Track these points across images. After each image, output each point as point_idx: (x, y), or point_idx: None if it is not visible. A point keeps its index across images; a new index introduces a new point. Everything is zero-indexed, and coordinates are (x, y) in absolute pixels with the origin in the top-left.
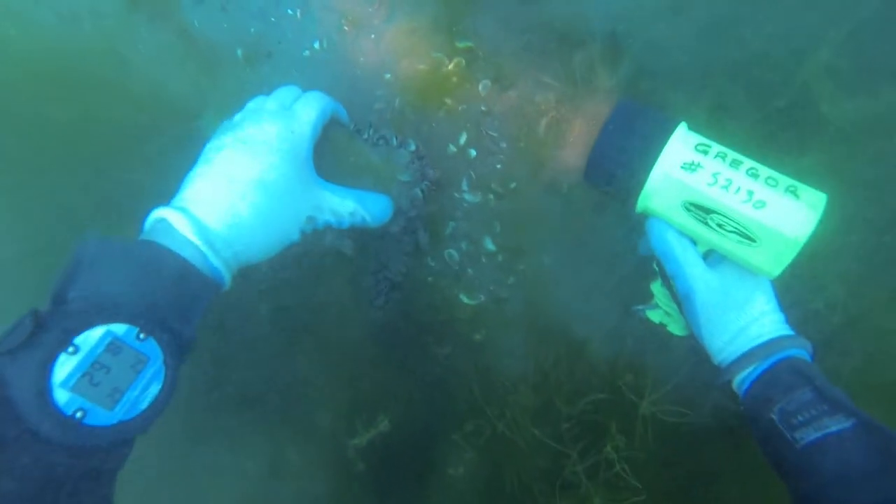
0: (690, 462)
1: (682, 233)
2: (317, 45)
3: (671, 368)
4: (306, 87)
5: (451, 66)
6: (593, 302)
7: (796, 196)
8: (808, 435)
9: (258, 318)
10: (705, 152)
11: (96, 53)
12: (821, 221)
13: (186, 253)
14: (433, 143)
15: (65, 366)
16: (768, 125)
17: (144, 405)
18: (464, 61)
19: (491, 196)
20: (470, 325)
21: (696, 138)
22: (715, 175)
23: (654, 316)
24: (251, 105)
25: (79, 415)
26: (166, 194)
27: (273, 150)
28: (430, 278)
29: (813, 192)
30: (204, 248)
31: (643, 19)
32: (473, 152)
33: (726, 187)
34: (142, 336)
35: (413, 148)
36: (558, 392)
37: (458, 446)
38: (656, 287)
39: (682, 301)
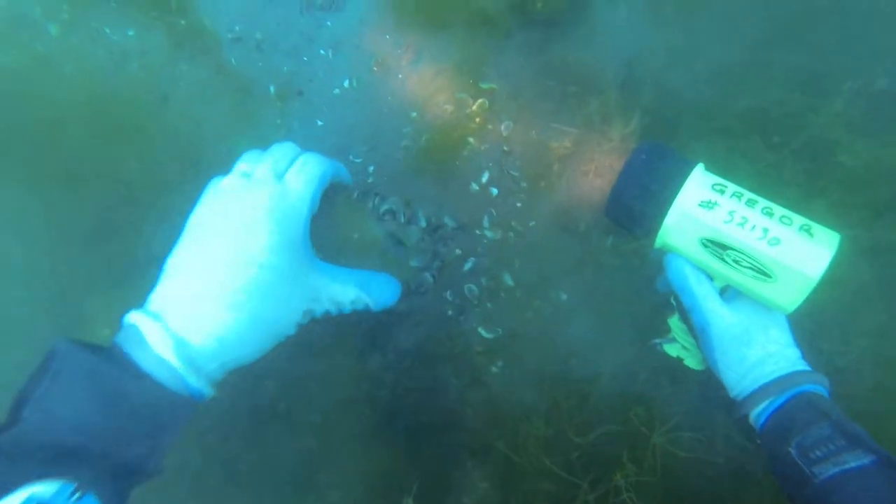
0: (700, 495)
1: (699, 268)
2: (346, 84)
3: (682, 403)
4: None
5: (474, 107)
6: (608, 336)
7: (810, 234)
8: (827, 470)
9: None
10: (721, 191)
11: (141, 89)
12: (834, 259)
13: (162, 373)
14: (456, 180)
15: None
16: (782, 168)
17: None
18: (487, 102)
19: (511, 234)
20: (487, 357)
21: (713, 178)
22: (731, 213)
23: (672, 350)
24: (242, 164)
25: None
26: None
27: (264, 233)
28: (449, 311)
29: (826, 231)
30: (183, 371)
31: (658, 65)
32: (495, 191)
33: (742, 224)
34: (77, 495)
35: (424, 224)
36: (570, 423)
37: (470, 475)
38: (674, 322)
39: (698, 335)
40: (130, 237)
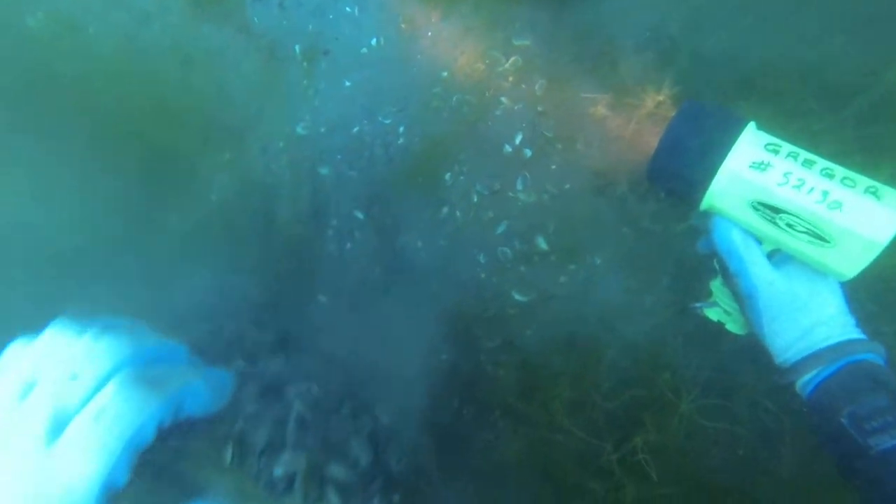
0: (718, 466)
1: (747, 231)
2: (374, 43)
3: (711, 370)
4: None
5: (507, 65)
6: (641, 302)
7: (877, 197)
8: (883, 442)
9: None
10: (776, 151)
11: (163, 50)
12: None
13: None
14: (489, 142)
15: None
16: (841, 131)
17: None
18: (520, 60)
19: (545, 196)
20: (520, 320)
21: (766, 137)
22: (786, 175)
23: (713, 314)
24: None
25: None
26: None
27: None
28: (482, 275)
29: None
30: None
31: (698, 21)
32: (529, 152)
33: (798, 187)
34: None
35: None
36: (597, 387)
37: (500, 431)
38: (716, 285)
39: (744, 300)
40: (150, 202)
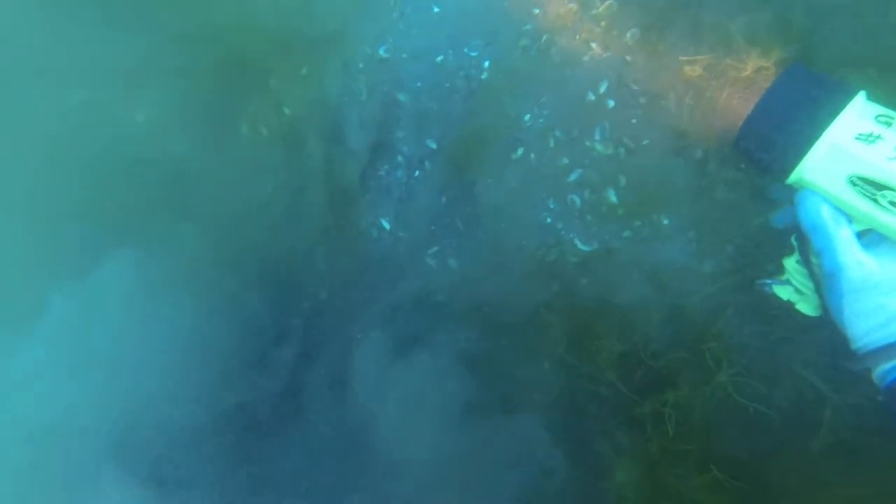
0: (742, 438)
1: (837, 207)
2: None
3: (758, 349)
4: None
5: (601, 8)
6: (702, 268)
7: None
8: None
9: None
10: (888, 124)
11: None
12: None
13: None
14: (572, 87)
15: None
16: None
17: None
18: (615, 4)
19: (622, 150)
20: (579, 269)
21: (877, 109)
22: None
23: (783, 292)
24: None
25: None
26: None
27: None
28: (548, 219)
29: None
30: None
31: None
32: (612, 103)
33: None
34: None
35: None
36: (646, 345)
37: (544, 373)
38: (790, 263)
39: (825, 279)
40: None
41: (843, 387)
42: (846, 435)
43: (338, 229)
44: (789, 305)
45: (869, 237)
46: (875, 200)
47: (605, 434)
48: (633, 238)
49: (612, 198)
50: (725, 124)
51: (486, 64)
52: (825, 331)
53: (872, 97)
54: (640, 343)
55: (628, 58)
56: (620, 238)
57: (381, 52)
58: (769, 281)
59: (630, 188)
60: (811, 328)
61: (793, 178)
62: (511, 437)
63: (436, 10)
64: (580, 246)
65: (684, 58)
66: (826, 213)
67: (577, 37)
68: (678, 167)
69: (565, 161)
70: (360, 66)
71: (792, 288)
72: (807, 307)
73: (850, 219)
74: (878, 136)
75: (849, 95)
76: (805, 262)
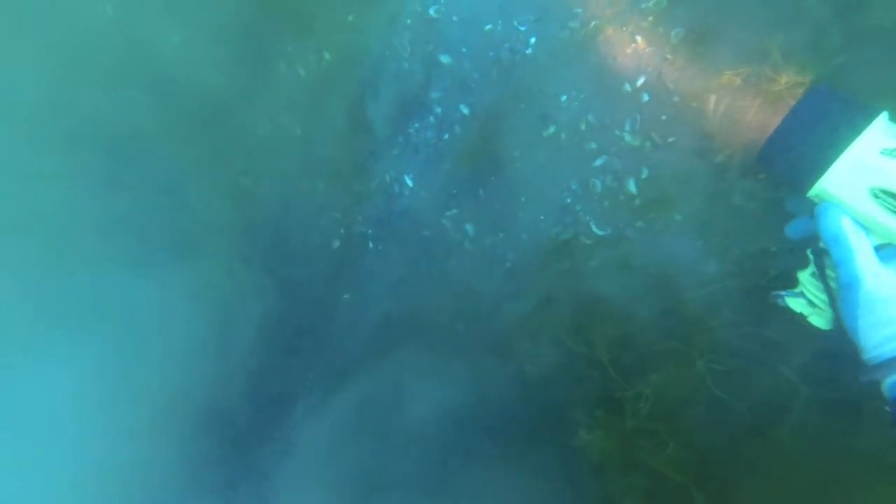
0: (710, 425)
1: (858, 222)
2: None
3: (745, 356)
4: None
5: (651, 3)
6: (707, 265)
7: None
8: None
9: None
10: None
11: None
12: None
13: None
14: (612, 76)
15: None
16: None
17: None
18: (665, 1)
19: (648, 143)
20: (590, 251)
21: None
22: None
23: (796, 305)
24: None
25: None
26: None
27: None
28: (568, 199)
29: None
30: None
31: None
32: (646, 97)
33: None
34: None
35: None
36: (642, 333)
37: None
38: (804, 275)
39: (841, 290)
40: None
41: (819, 385)
42: (814, 426)
43: (360, 179)
44: (801, 318)
45: (887, 251)
46: None
47: (586, 408)
48: (645, 229)
49: (632, 188)
50: (751, 134)
51: (533, 40)
52: (826, 342)
53: (894, 118)
54: (636, 330)
55: (669, 56)
56: (634, 227)
57: (431, 11)
58: (783, 293)
59: (650, 181)
60: (805, 336)
61: (814, 190)
62: (494, 391)
63: None
64: (595, 229)
65: (721, 65)
66: (847, 224)
67: (624, 28)
68: (699, 168)
69: (593, 146)
70: (408, 22)
71: (805, 301)
72: (819, 320)
73: (868, 232)
74: None
75: (873, 114)
76: (820, 275)
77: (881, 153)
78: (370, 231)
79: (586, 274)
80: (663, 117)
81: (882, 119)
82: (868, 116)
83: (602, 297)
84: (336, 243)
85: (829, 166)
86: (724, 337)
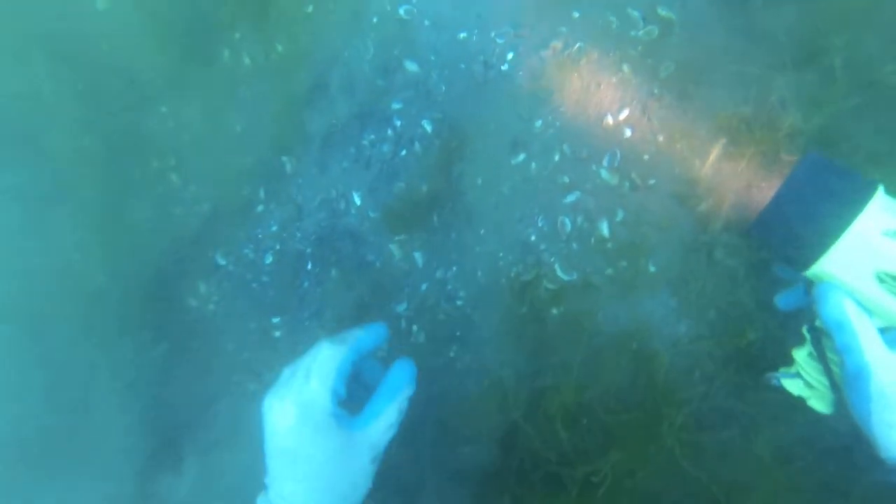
0: None
1: (861, 304)
2: None
3: (724, 427)
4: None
5: (641, 32)
6: (678, 326)
7: None
8: None
9: None
10: None
11: None
12: None
13: None
14: (593, 106)
15: None
16: None
17: None
18: (656, 31)
19: (627, 183)
20: (553, 295)
21: None
22: None
23: (793, 387)
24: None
25: None
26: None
27: (312, 440)
28: (532, 237)
29: None
30: None
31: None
32: (629, 132)
33: None
34: None
35: None
36: (603, 397)
37: (488, 405)
38: (800, 355)
39: (849, 379)
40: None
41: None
42: None
43: (303, 190)
44: (801, 402)
45: (891, 334)
46: None
47: (532, 488)
48: (615, 277)
49: (605, 231)
50: (740, 185)
51: (510, 55)
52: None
53: (890, 191)
54: (600, 395)
55: (656, 90)
56: (602, 274)
57: (401, 11)
58: (778, 374)
59: (625, 225)
60: (785, 413)
61: (814, 269)
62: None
63: None
64: (560, 273)
65: (712, 107)
66: (851, 309)
67: (611, 54)
68: (680, 216)
69: (566, 180)
70: (374, 20)
71: (802, 382)
72: (820, 404)
73: (870, 314)
74: None
75: (871, 189)
76: (820, 356)
77: (884, 234)
78: (309, 250)
79: (547, 322)
80: (645, 156)
81: (880, 194)
82: (866, 191)
83: (562, 350)
84: (269, 258)
85: (830, 246)
86: (697, 408)
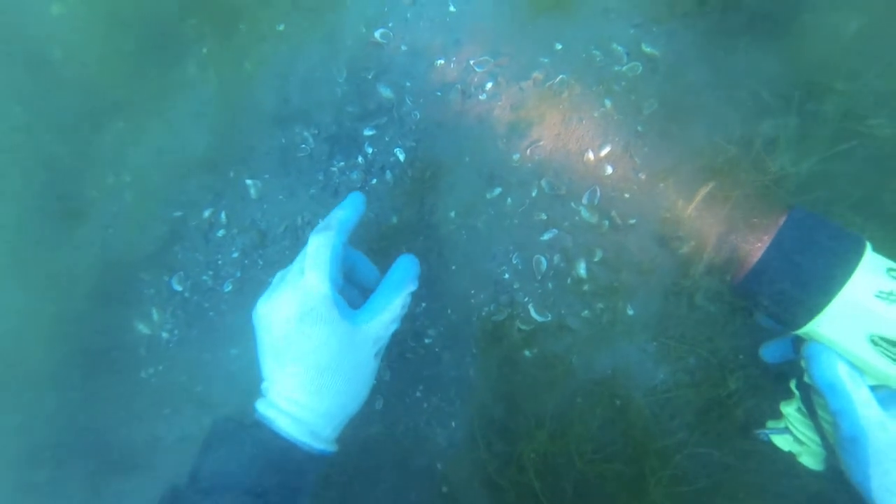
0: None
1: (853, 364)
2: None
3: (701, 473)
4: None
5: (625, 68)
6: (656, 372)
7: None
8: None
9: None
10: None
11: None
12: None
13: (298, 442)
14: (574, 141)
15: None
16: None
17: None
18: (640, 68)
19: (606, 222)
20: (526, 337)
21: (884, 261)
22: None
23: (783, 443)
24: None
25: None
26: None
27: (312, 330)
28: (506, 275)
29: None
30: (315, 444)
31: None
32: (610, 169)
33: None
34: None
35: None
36: (580, 447)
37: (457, 451)
38: (789, 410)
39: (844, 442)
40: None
41: None
42: None
43: (268, 217)
44: (792, 457)
45: (883, 393)
46: None
47: None
48: (591, 320)
49: (582, 271)
50: (724, 229)
51: (489, 85)
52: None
53: (875, 244)
54: (574, 443)
55: (639, 128)
56: (578, 317)
57: (377, 35)
58: (768, 430)
59: (603, 265)
60: (767, 461)
61: (805, 330)
62: None
63: (452, 8)
64: (534, 314)
65: (697, 148)
66: (843, 371)
67: (594, 88)
68: (660, 258)
69: (543, 216)
70: (348, 42)
71: (792, 438)
72: (811, 461)
73: (862, 373)
74: None
75: (860, 247)
76: (810, 413)
77: (876, 296)
78: (272, 279)
79: (519, 366)
80: (626, 195)
81: (868, 253)
82: (856, 250)
83: (535, 395)
84: (229, 286)
85: (822, 308)
86: (677, 459)
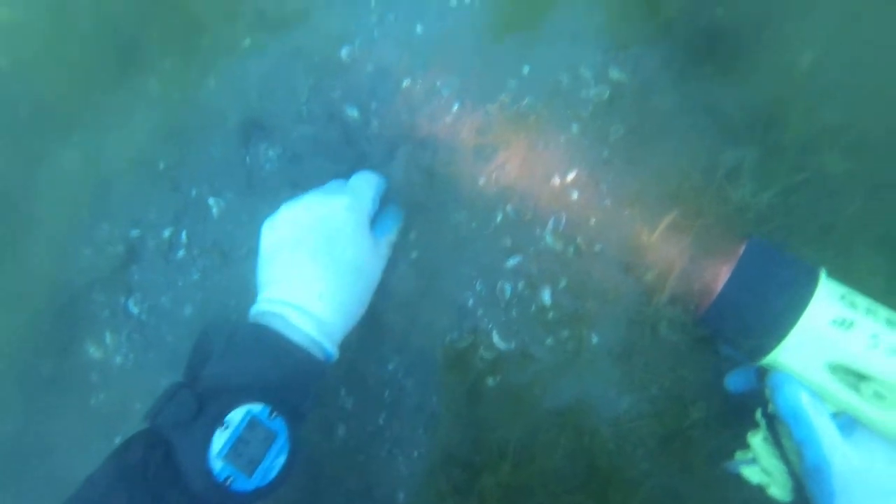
0: None
1: (815, 393)
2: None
3: (667, 501)
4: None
5: (592, 93)
6: (619, 401)
7: None
8: None
9: None
10: (854, 306)
11: None
12: None
13: (306, 343)
14: (540, 166)
15: (219, 439)
16: None
17: (273, 474)
18: (608, 93)
19: (571, 249)
20: (489, 366)
21: (838, 287)
22: (874, 337)
23: (752, 475)
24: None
25: (229, 481)
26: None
27: (353, 232)
28: (470, 301)
29: None
30: (326, 344)
31: (836, 128)
32: (575, 195)
33: (893, 352)
34: (273, 415)
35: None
36: (543, 479)
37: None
38: (756, 440)
39: (809, 472)
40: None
41: None
42: None
43: (231, 238)
44: (761, 490)
45: (843, 419)
46: (857, 390)
47: None
48: (555, 348)
49: (546, 298)
50: (688, 256)
51: (456, 107)
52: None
53: (833, 272)
54: (539, 477)
55: (606, 153)
56: (542, 345)
57: (343, 53)
58: (736, 461)
59: (568, 292)
60: (732, 490)
61: (767, 360)
62: None
63: (419, 29)
64: (497, 341)
65: (662, 174)
66: (806, 400)
67: (560, 113)
68: (625, 286)
69: (508, 242)
70: (315, 60)
71: (759, 468)
72: (779, 491)
73: (823, 402)
74: (852, 323)
75: (814, 277)
76: (776, 442)
77: (831, 324)
78: (233, 302)
79: (481, 394)
80: (592, 221)
81: (822, 282)
82: (811, 280)
83: (497, 425)
84: (188, 309)
85: (782, 339)
86: (639, 491)
